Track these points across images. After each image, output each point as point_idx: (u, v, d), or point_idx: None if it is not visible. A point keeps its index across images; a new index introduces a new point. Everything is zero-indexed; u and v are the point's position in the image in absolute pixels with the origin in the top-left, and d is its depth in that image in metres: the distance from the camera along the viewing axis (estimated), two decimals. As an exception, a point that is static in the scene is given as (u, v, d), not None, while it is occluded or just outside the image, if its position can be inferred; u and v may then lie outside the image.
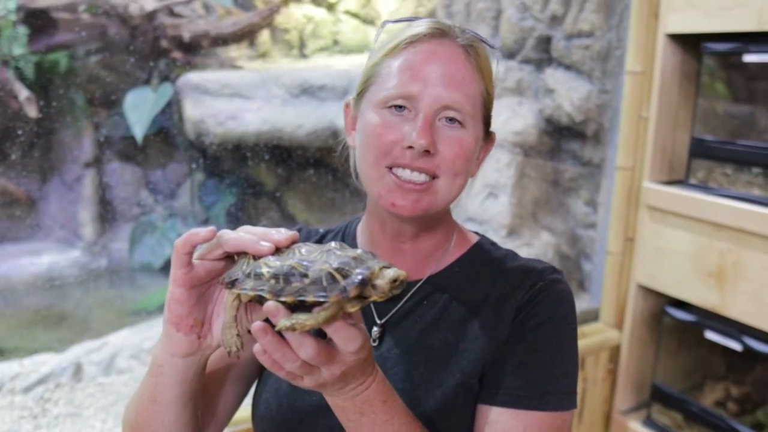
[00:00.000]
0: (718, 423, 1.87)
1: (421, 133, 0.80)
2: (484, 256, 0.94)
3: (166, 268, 3.17)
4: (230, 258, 0.73)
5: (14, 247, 3.00)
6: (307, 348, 0.63)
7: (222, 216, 3.22)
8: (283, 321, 0.62)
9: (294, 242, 0.70)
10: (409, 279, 0.91)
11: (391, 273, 0.64)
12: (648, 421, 2.07)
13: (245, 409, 0.99)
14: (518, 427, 0.81)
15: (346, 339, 0.64)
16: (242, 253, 0.70)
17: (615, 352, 2.17)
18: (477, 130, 0.86)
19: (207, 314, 0.75)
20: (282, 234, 0.69)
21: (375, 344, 0.89)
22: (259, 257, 0.68)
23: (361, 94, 0.88)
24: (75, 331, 2.65)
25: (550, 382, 0.84)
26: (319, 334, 0.64)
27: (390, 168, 0.83)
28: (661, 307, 2.05)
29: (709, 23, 1.80)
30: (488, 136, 0.92)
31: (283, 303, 0.63)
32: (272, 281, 0.64)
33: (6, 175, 2.94)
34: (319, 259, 0.65)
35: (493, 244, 0.97)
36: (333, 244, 0.68)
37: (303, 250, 0.67)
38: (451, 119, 0.83)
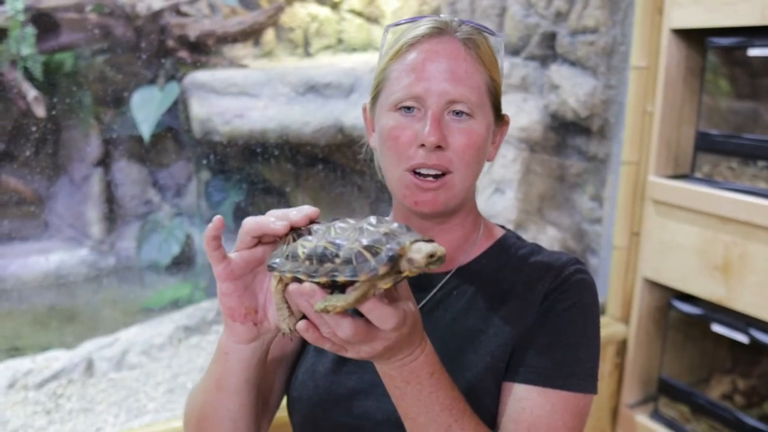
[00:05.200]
0: (725, 416, 1.88)
1: (431, 130, 0.85)
2: (510, 248, 0.98)
3: (173, 266, 3.18)
4: (269, 243, 0.76)
5: (23, 246, 3.02)
6: (344, 328, 0.65)
7: (229, 213, 3.23)
8: (318, 303, 0.63)
9: (312, 220, 0.72)
10: (439, 270, 0.94)
11: (428, 248, 0.63)
12: (655, 415, 2.08)
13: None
14: (546, 405, 0.84)
15: (381, 318, 0.65)
16: (287, 235, 0.72)
17: (622, 346, 2.18)
18: (486, 118, 0.90)
19: (259, 301, 0.78)
20: (299, 212, 0.72)
21: None
22: (297, 236, 0.70)
23: (374, 99, 0.94)
24: (85, 328, 2.67)
25: (575, 363, 0.87)
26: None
27: (409, 170, 0.87)
28: (667, 301, 2.06)
29: (713, 18, 1.81)
30: (500, 120, 0.96)
31: (318, 284, 0.64)
32: (307, 262, 0.66)
33: (15, 174, 2.95)
34: (351, 237, 0.65)
35: (519, 237, 1.02)
36: (371, 219, 0.68)
37: (338, 227, 0.68)
38: (458, 112, 0.87)
